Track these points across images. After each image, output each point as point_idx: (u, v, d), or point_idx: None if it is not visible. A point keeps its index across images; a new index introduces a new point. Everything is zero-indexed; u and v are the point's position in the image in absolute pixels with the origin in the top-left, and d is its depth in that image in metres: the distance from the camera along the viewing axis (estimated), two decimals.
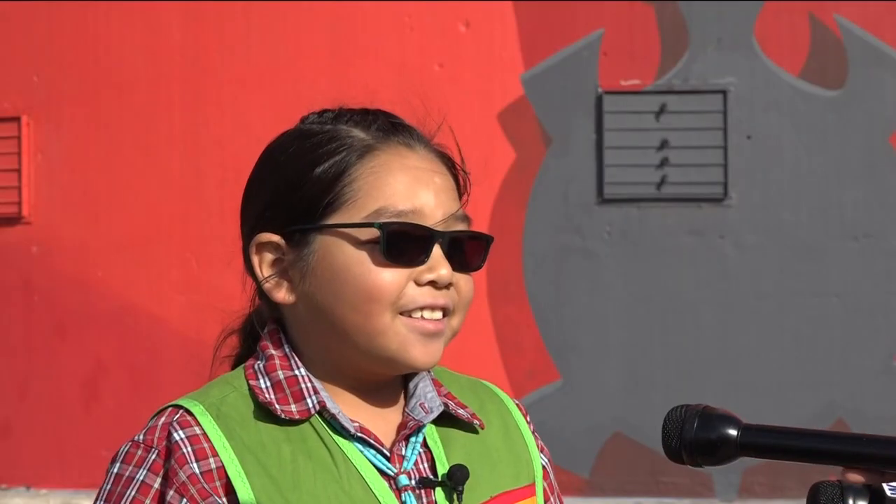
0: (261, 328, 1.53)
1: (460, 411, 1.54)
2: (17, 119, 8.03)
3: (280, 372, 1.47)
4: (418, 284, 1.46)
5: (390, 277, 1.44)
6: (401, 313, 1.45)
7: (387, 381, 1.52)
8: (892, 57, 7.52)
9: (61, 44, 8.04)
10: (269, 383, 1.47)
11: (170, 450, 1.41)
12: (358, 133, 1.49)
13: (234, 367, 1.57)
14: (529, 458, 1.60)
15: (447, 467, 1.50)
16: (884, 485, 1.33)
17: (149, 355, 7.92)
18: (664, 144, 7.57)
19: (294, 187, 1.47)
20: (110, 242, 7.95)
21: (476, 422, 1.55)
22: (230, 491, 1.40)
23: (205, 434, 1.42)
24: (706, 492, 7.54)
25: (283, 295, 1.48)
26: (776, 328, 7.53)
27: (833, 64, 7.53)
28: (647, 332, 7.59)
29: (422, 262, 1.45)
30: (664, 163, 7.58)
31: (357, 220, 1.44)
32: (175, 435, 1.41)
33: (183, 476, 1.39)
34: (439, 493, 1.49)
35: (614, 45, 7.63)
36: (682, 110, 7.56)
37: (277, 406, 1.45)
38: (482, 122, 7.63)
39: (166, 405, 1.48)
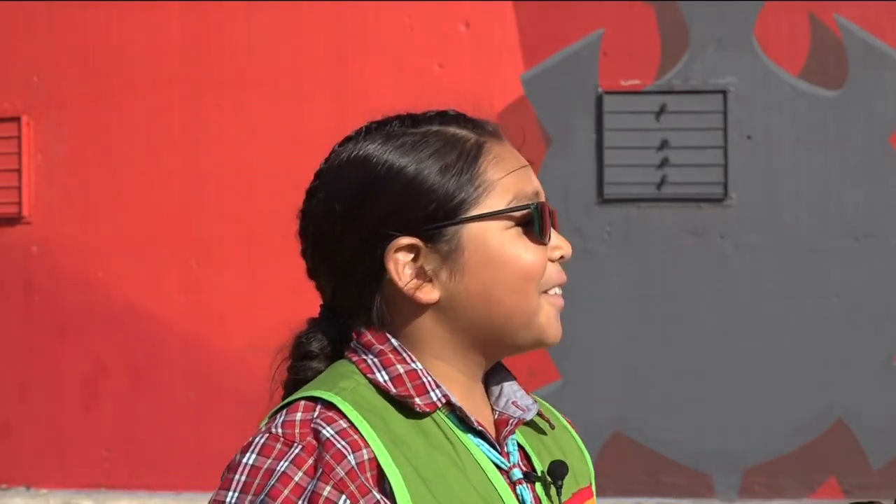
0: (331, 332, 1.53)
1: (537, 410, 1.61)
2: (17, 119, 8.03)
3: (399, 366, 1.48)
4: (550, 261, 1.54)
5: (540, 256, 1.52)
6: (542, 292, 1.53)
7: (479, 379, 1.57)
8: (892, 57, 7.52)
9: (61, 44, 8.04)
10: (387, 377, 1.48)
11: (317, 447, 1.39)
12: (461, 132, 1.57)
13: (290, 383, 1.53)
14: (584, 460, 1.68)
15: (541, 462, 1.56)
16: None
17: (149, 355, 7.92)
18: (664, 144, 7.57)
19: (422, 191, 1.49)
20: (110, 242, 7.95)
21: (547, 423, 1.63)
22: (380, 482, 1.39)
23: (352, 426, 1.41)
24: (706, 492, 7.54)
25: (426, 294, 1.50)
26: (776, 328, 7.53)
27: (833, 64, 7.53)
28: (647, 332, 7.59)
29: (549, 240, 1.53)
30: (664, 163, 7.58)
31: (500, 207, 1.51)
32: (324, 432, 1.40)
33: (342, 472, 1.37)
34: (538, 488, 1.54)
35: (614, 45, 7.63)
36: (682, 110, 7.57)
37: (412, 399, 1.46)
38: None
39: (297, 396, 1.45)
